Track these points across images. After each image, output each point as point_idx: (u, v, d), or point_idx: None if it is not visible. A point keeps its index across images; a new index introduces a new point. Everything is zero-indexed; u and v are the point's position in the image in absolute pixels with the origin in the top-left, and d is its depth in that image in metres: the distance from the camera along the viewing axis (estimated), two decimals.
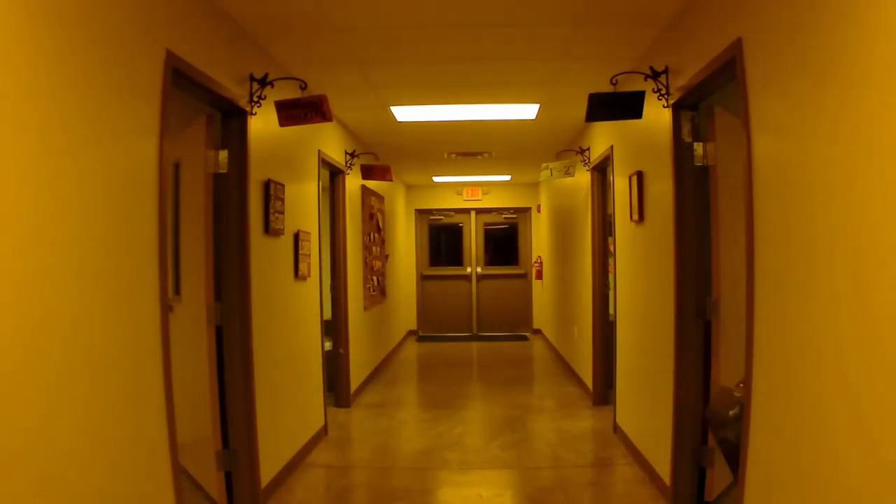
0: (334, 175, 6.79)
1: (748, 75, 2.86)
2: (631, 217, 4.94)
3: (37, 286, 2.15)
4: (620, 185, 5.38)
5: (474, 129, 7.25)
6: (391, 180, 8.08)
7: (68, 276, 2.32)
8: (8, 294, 2.02)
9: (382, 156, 8.29)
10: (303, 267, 5.16)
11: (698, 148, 3.82)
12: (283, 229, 4.69)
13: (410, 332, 12.55)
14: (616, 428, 5.67)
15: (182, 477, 3.08)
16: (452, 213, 12.91)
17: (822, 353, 2.28)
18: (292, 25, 4.08)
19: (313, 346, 5.60)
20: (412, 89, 5.75)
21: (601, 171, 6.62)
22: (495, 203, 12.72)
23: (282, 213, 4.63)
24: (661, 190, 4.19)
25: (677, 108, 3.92)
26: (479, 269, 12.83)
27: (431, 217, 12.95)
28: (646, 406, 4.76)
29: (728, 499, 3.69)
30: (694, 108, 3.89)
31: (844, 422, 2.13)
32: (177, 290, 4.15)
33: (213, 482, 3.88)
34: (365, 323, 8.01)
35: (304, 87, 4.33)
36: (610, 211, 6.07)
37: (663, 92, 4.00)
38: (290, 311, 4.94)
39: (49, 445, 2.19)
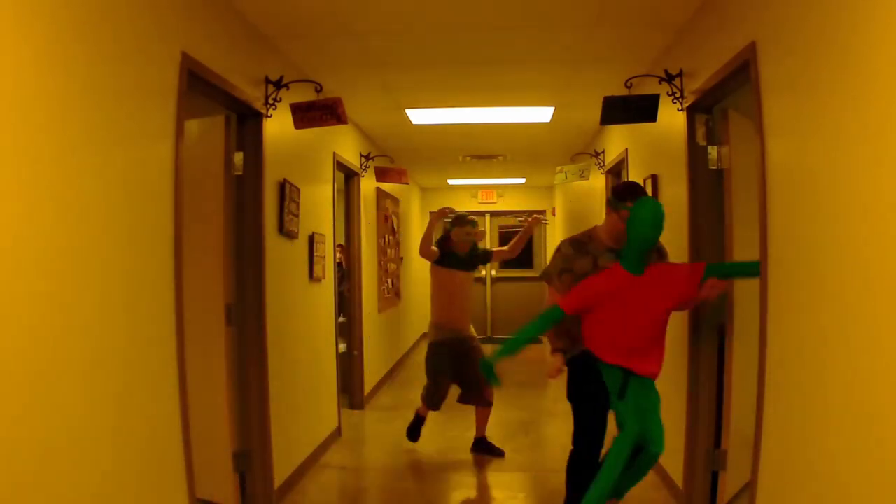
0: (349, 177, 6.82)
1: (762, 78, 2.85)
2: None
3: (56, 288, 2.19)
4: None
5: (489, 132, 7.26)
6: (407, 183, 8.10)
7: (88, 280, 2.35)
8: (31, 297, 2.05)
9: (397, 158, 8.31)
10: (317, 269, 5.18)
11: (713, 151, 3.81)
12: (298, 231, 4.72)
13: (424, 335, 12.52)
14: None
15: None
16: None
17: (836, 356, 2.27)
18: (308, 28, 4.10)
19: (327, 347, 5.62)
20: (427, 92, 5.77)
21: (616, 174, 6.60)
22: (510, 206, 12.70)
23: (297, 215, 4.65)
24: (676, 193, 4.18)
25: (692, 112, 3.91)
26: (493, 272, 12.82)
27: (446, 219, 12.92)
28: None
29: (741, 502, 3.68)
30: (708, 111, 3.88)
31: (856, 426, 2.12)
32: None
33: (224, 484, 3.89)
34: (379, 325, 8.03)
35: (319, 89, 4.35)
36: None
37: (678, 95, 3.99)
38: (304, 313, 4.97)
39: (72, 443, 2.22)
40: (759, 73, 2.87)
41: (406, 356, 10.17)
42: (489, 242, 12.78)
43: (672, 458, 4.32)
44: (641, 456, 3.37)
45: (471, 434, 5.98)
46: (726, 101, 3.69)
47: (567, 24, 4.11)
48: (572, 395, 3.66)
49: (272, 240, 4.22)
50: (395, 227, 9.14)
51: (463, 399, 5.49)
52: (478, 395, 5.35)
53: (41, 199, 2.12)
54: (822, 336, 2.37)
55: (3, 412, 1.94)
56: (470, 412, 6.91)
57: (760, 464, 2.85)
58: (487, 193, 12.54)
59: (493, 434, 6.10)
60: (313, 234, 5.10)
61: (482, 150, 8.50)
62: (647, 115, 4.20)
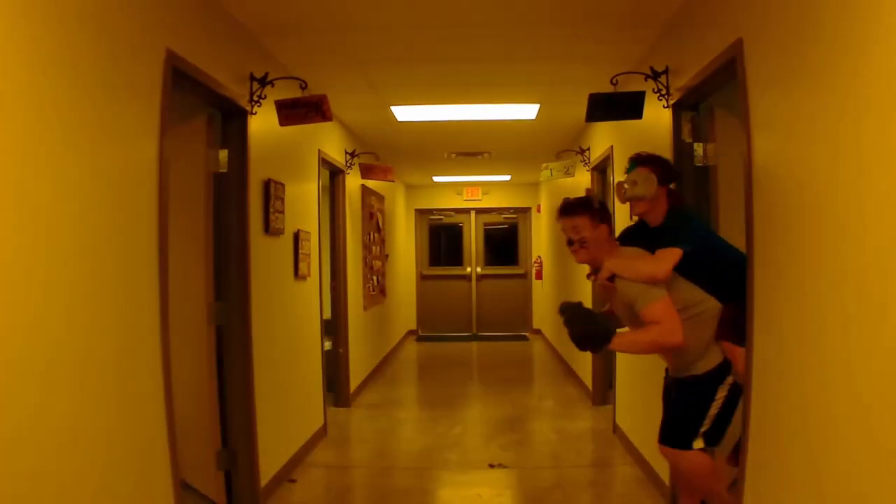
0: (334, 175, 6.79)
1: (748, 75, 2.86)
2: (631, 217, 4.92)
3: (36, 288, 2.16)
4: None
5: (474, 129, 7.25)
6: (392, 180, 8.08)
7: (67, 280, 2.32)
8: (7, 295, 2.03)
9: (382, 155, 8.29)
10: (303, 266, 5.16)
11: (698, 148, 3.81)
12: (283, 229, 4.69)
13: (410, 332, 12.54)
14: (615, 428, 5.66)
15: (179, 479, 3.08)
16: (452, 213, 12.91)
17: (822, 349, 2.28)
18: (293, 25, 4.08)
19: (313, 345, 5.60)
20: (412, 89, 5.75)
21: (601, 171, 6.61)
22: (495, 203, 12.71)
23: (282, 212, 4.63)
24: None
25: (677, 109, 3.91)
26: (478, 269, 12.83)
27: (431, 217, 12.94)
28: (645, 406, 4.75)
29: None
30: (694, 108, 3.89)
31: (845, 418, 2.13)
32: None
33: (210, 482, 3.87)
34: (365, 322, 8.01)
35: (304, 86, 4.33)
36: (610, 211, 6.05)
37: (663, 92, 4.00)
38: (289, 311, 4.94)
39: (45, 440, 2.19)
40: (746, 69, 2.88)
41: (392, 354, 10.15)
42: (474, 239, 12.80)
43: (658, 455, 4.33)
44: None
45: (457, 431, 5.97)
46: (712, 97, 3.70)
47: (553, 22, 4.11)
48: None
49: (257, 238, 4.19)
50: (381, 224, 9.12)
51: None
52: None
53: (20, 198, 2.09)
54: (809, 332, 2.38)
55: None
56: (457, 411, 6.92)
57: (747, 460, 2.86)
58: (472, 191, 12.55)
59: (479, 431, 6.11)
60: (298, 231, 5.07)
61: (467, 148, 8.50)
62: (633, 112, 4.20)
